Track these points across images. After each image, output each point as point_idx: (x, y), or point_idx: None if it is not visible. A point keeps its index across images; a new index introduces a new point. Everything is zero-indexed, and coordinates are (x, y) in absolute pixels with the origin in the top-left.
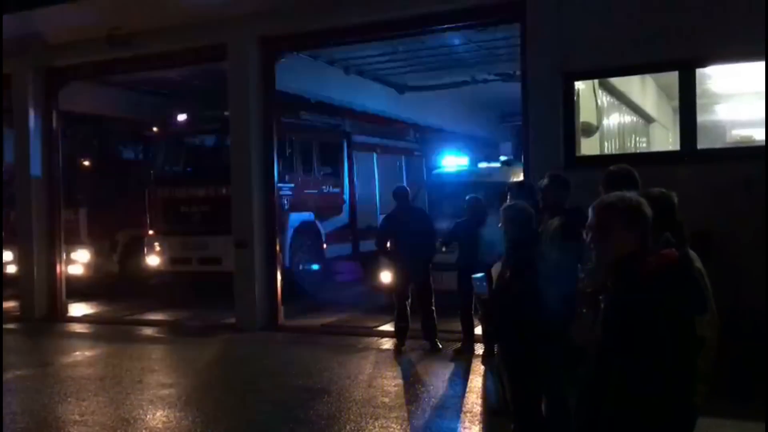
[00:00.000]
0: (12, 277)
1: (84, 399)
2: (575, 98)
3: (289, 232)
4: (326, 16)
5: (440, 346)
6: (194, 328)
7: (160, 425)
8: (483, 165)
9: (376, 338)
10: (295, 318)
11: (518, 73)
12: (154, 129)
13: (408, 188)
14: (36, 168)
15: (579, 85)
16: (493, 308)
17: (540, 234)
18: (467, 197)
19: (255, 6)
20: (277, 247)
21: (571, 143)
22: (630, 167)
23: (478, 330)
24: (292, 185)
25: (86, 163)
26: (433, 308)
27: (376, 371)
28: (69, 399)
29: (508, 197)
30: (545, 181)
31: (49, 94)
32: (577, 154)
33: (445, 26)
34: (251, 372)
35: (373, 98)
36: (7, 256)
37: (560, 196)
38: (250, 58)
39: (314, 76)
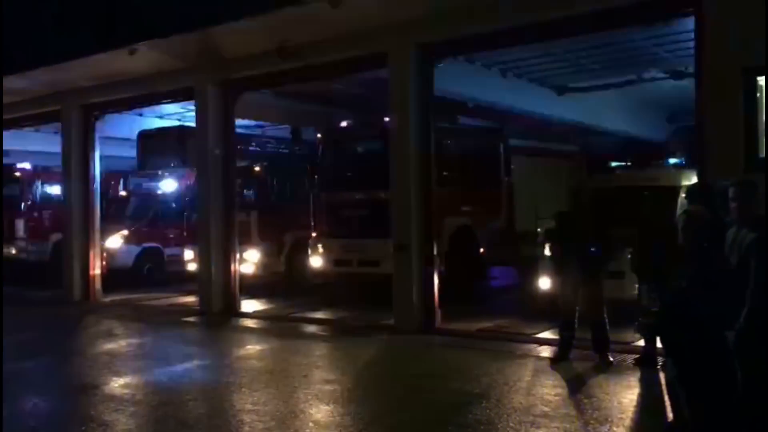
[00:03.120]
0: (192, 275)
1: (256, 390)
2: (758, 95)
3: (446, 237)
4: (485, 20)
5: (612, 359)
6: (355, 327)
7: (324, 419)
8: (651, 167)
9: (534, 345)
10: (452, 322)
11: (691, 69)
12: (318, 136)
13: (582, 191)
14: (215, 173)
15: (761, 80)
16: (669, 321)
17: (730, 244)
18: (648, 201)
19: (414, 14)
20: (434, 251)
21: (753, 144)
22: None
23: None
24: (449, 189)
25: (257, 169)
26: (605, 318)
27: (535, 379)
28: (242, 389)
29: (686, 202)
30: (732, 186)
31: (226, 105)
32: (761, 155)
33: (613, 23)
34: (409, 373)
35: (531, 100)
36: (188, 254)
37: (751, 204)
38: (409, 65)
39: (471, 79)
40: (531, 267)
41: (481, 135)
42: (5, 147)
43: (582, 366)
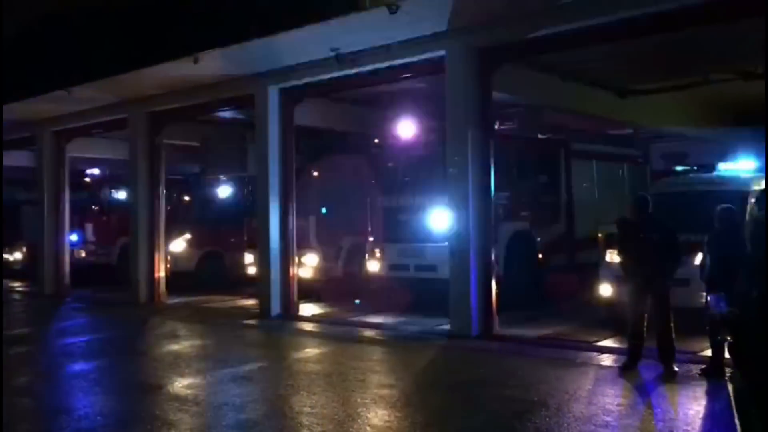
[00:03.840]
0: (251, 278)
1: (314, 393)
2: None
3: (504, 242)
4: (547, 23)
5: (677, 369)
6: (412, 332)
7: (381, 424)
8: (717, 172)
9: (596, 353)
10: (510, 328)
11: (760, 70)
12: (376, 141)
13: (648, 197)
14: (274, 179)
15: None
16: (738, 333)
17: None
18: (718, 207)
19: (473, 19)
20: (492, 256)
21: None
22: None
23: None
24: (508, 194)
25: (315, 174)
26: (672, 327)
27: (597, 388)
28: (301, 391)
29: (756, 208)
30: None
31: (286, 111)
32: None
33: (682, 23)
34: (466, 379)
35: (592, 103)
36: (248, 258)
37: None
38: (467, 70)
39: (531, 83)
40: (591, 273)
41: (540, 139)
42: (76, 154)
43: (646, 375)
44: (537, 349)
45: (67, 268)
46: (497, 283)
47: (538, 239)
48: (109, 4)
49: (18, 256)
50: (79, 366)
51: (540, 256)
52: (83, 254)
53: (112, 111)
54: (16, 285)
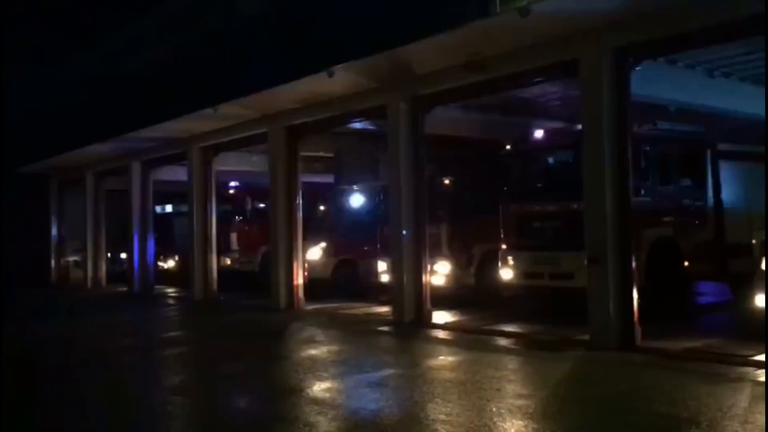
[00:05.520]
0: (384, 286)
1: (449, 401)
2: None
3: (646, 249)
4: (690, 17)
5: None
6: (548, 342)
7: None
8: None
9: (751, 368)
10: (654, 340)
11: None
12: (507, 147)
13: None
14: (405, 188)
15: None
16: None
17: None
18: None
19: (609, 18)
20: (633, 264)
21: None
22: None
23: None
24: (649, 199)
25: (447, 182)
26: None
27: (753, 405)
28: (436, 399)
29: None
30: None
31: (416, 120)
32: None
33: None
34: (606, 392)
35: (742, 101)
36: (381, 266)
37: None
38: (602, 71)
39: (672, 81)
40: (745, 282)
41: (684, 140)
42: (223, 167)
43: None
44: (683, 362)
45: (214, 275)
46: (638, 293)
47: (684, 246)
48: (251, 28)
49: (171, 263)
50: (226, 368)
51: (685, 264)
52: (228, 262)
53: (253, 126)
54: (170, 291)
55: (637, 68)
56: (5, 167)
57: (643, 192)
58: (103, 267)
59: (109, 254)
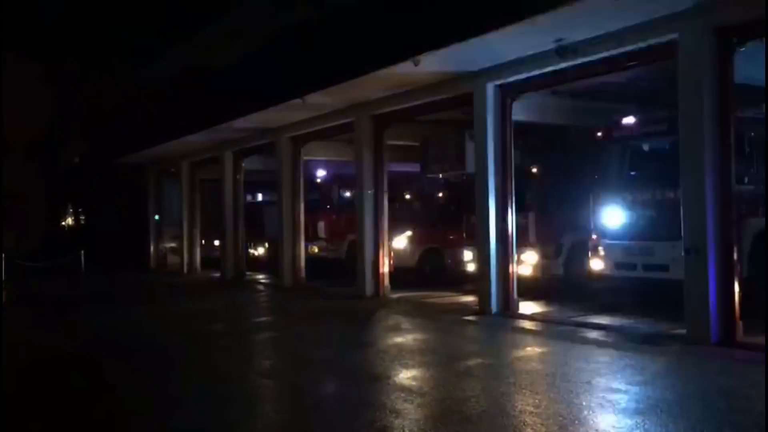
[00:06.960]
0: (470, 275)
1: (537, 392)
2: None
3: (749, 239)
4: None
5: None
6: (641, 335)
7: (610, 430)
8: None
9: None
10: (757, 336)
11: None
12: (599, 134)
13: None
14: (492, 176)
15: None
16: None
17: None
18: None
19: None
20: (735, 256)
21: None
22: None
23: None
24: (753, 187)
25: (534, 170)
26: None
27: None
28: (524, 390)
29: None
30: None
31: (503, 107)
32: None
33: None
34: (706, 388)
35: None
36: (467, 255)
37: None
38: (703, 52)
39: None
40: None
41: None
42: (308, 157)
43: None
44: None
45: (302, 262)
46: (740, 286)
47: None
48: (335, 18)
49: (261, 251)
50: (313, 353)
51: None
52: (316, 250)
53: (340, 116)
54: (260, 277)
55: (741, 49)
56: (106, 159)
57: (746, 180)
58: (198, 253)
59: (203, 241)
